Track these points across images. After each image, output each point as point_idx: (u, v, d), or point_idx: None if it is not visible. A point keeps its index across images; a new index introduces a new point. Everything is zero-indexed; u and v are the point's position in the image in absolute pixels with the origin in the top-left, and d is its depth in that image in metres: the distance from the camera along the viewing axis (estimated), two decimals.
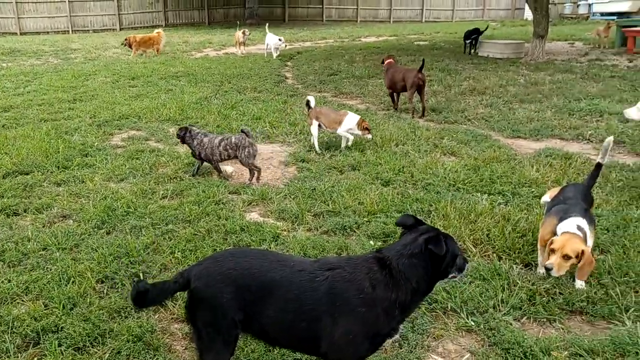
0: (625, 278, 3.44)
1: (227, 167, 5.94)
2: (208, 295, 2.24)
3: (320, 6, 32.49)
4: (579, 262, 3.20)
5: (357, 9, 33.24)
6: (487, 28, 16.78)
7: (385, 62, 8.98)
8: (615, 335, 2.89)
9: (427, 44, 19.52)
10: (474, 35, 15.62)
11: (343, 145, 6.64)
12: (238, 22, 23.84)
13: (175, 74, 12.62)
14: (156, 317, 3.24)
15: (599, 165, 3.93)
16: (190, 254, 3.88)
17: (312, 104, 6.69)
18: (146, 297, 2.29)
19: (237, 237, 4.15)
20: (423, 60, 8.68)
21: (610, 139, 3.96)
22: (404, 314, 2.30)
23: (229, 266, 2.26)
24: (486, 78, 11.28)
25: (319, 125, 6.54)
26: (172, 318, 3.23)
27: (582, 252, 3.18)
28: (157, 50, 16.70)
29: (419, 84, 8.21)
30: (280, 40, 15.71)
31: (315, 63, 14.74)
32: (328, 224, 4.43)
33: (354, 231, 4.34)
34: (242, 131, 5.67)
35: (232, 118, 8.21)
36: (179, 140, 5.87)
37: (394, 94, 8.95)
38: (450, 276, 2.37)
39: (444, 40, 20.35)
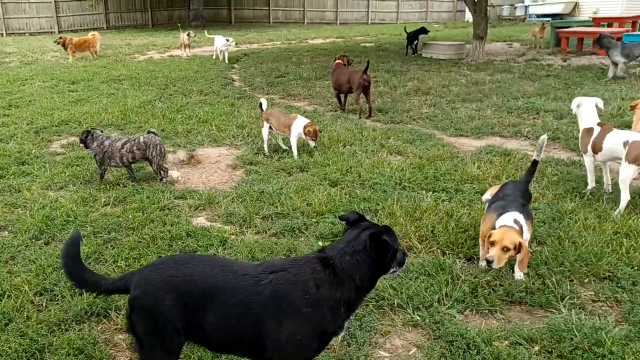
0: (560, 268, 3.61)
1: (173, 172, 5.82)
2: (148, 303, 2.19)
3: (267, 8, 32.38)
4: (517, 254, 3.34)
5: (303, 10, 33.34)
6: (422, 30, 16.48)
7: (334, 63, 9.06)
8: (552, 323, 3.03)
9: (373, 45, 19.83)
10: (418, 36, 15.93)
11: (294, 152, 6.42)
12: (179, 24, 23.37)
13: (118, 78, 12.26)
14: (99, 328, 3.14)
15: (535, 162, 4.09)
16: (135, 262, 3.78)
17: (264, 106, 6.67)
18: (80, 264, 2.35)
19: (183, 243, 4.08)
20: (368, 61, 8.79)
21: (544, 136, 4.12)
22: (349, 311, 2.33)
23: (170, 273, 2.22)
24: (430, 78, 11.56)
25: (270, 128, 6.52)
26: (115, 329, 3.14)
27: (520, 244, 3.31)
28: (95, 53, 16.16)
29: (365, 85, 8.33)
30: (228, 40, 15.47)
31: (262, 65, 14.69)
32: (276, 226, 4.42)
33: (303, 232, 4.35)
34: (150, 132, 5.57)
35: (177, 122, 8.06)
36: (82, 145, 5.62)
37: (341, 95, 9.03)
38: (391, 270, 2.41)
39: (389, 42, 20.72)
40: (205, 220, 4.67)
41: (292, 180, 5.54)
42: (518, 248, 3.32)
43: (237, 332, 2.22)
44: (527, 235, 3.50)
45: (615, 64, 10.40)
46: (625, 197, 4.42)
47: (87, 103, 9.47)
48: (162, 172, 5.55)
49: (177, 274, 2.22)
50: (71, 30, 25.25)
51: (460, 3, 34.21)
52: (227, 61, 15.32)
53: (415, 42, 16.03)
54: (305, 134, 6.23)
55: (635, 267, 3.58)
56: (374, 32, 26.03)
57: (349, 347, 2.94)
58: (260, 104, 6.71)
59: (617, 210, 4.44)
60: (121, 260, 3.82)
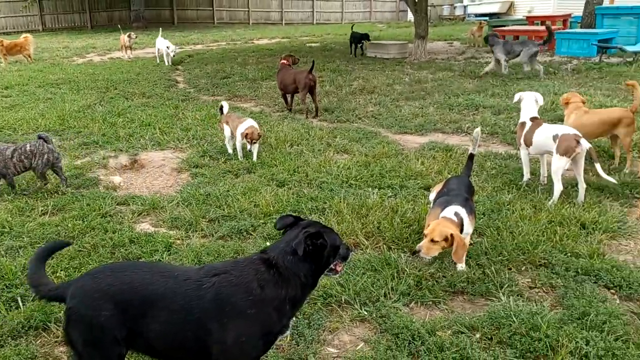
0: (499, 257, 3.76)
1: (115, 178, 5.66)
2: (85, 314, 2.13)
3: (211, 8, 31.94)
4: (450, 245, 3.44)
5: (248, 11, 33.11)
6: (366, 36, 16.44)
7: (280, 63, 9.06)
8: (492, 311, 3.15)
9: (318, 45, 19.93)
10: (363, 40, 16.01)
11: (240, 154, 6.33)
12: (120, 26, 22.70)
13: (55, 82, 11.78)
14: (38, 342, 3.02)
15: (471, 156, 4.24)
16: (75, 272, 3.65)
17: (225, 109, 6.63)
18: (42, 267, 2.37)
19: (126, 250, 3.98)
20: (313, 61, 8.85)
21: (478, 129, 4.28)
22: (294, 309, 2.35)
23: (107, 282, 2.16)
24: (375, 78, 11.74)
25: (230, 131, 6.46)
26: (55, 341, 3.02)
27: (451, 235, 3.40)
28: (29, 57, 15.44)
29: (310, 84, 8.37)
30: (168, 47, 14.76)
31: (207, 66, 14.49)
32: (224, 229, 4.38)
33: (251, 234, 4.33)
34: (40, 137, 5.29)
35: (119, 125, 7.84)
36: None
37: (287, 95, 9.04)
38: (331, 266, 2.44)
39: (335, 42, 20.88)
40: (150, 225, 4.57)
41: (239, 182, 5.50)
42: (450, 240, 3.41)
43: (180, 338, 2.19)
44: (469, 228, 3.62)
45: (498, 61, 11.02)
46: (558, 187, 4.65)
47: (22, 109, 9.05)
48: (44, 179, 5.29)
49: (115, 282, 2.16)
50: (4, 33, 24.00)
51: (403, 3, 34.93)
52: (170, 63, 14.91)
53: (360, 44, 16.14)
54: (244, 136, 6.03)
55: (568, 254, 3.78)
56: (319, 32, 26.17)
57: (298, 346, 2.96)
58: (221, 107, 6.63)
59: (551, 200, 4.66)
60: (60, 270, 3.68)
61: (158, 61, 15.28)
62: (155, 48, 15.72)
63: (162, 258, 3.90)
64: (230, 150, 6.50)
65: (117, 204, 4.98)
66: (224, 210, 4.73)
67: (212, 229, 4.41)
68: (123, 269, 2.27)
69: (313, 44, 20.34)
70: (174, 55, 14.85)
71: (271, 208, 4.72)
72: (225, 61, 15.45)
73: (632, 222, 4.32)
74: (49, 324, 3.12)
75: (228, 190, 5.18)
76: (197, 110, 8.94)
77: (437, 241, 3.40)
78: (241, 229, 4.34)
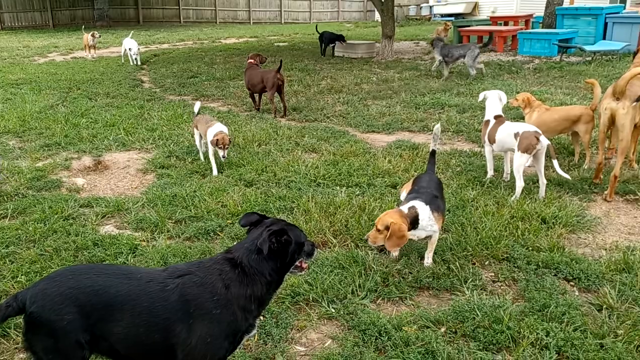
0: (464, 253, 3.83)
1: (78, 180, 5.54)
2: (46, 319, 2.07)
3: (177, 7, 31.54)
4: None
5: (215, 10, 32.82)
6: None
7: (247, 62, 9.01)
8: (456, 305, 3.21)
9: (286, 44, 19.91)
10: (335, 42, 15.70)
11: (210, 160, 5.92)
12: (83, 25, 22.18)
13: (15, 82, 11.46)
14: None
15: (432, 152, 4.27)
16: (36, 276, 3.55)
17: (196, 109, 6.39)
18: None
19: (89, 253, 3.89)
20: (281, 61, 8.84)
21: (438, 125, 4.31)
22: (260, 307, 2.35)
23: (68, 285, 2.12)
24: (343, 77, 11.80)
25: (200, 136, 6.18)
26: (15, 348, 2.94)
27: (390, 224, 3.41)
28: None
29: (278, 84, 8.36)
30: (130, 49, 14.59)
31: (173, 66, 14.31)
32: (190, 229, 4.33)
33: (218, 234, 4.30)
34: None
35: (82, 126, 7.67)
36: None
37: (255, 94, 9.01)
38: (297, 261, 2.45)
39: (303, 41, 20.91)
40: (114, 228, 4.48)
41: (206, 182, 5.46)
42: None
43: (145, 340, 2.16)
44: (430, 225, 3.63)
45: (440, 62, 11.37)
46: (519, 184, 4.77)
47: None
48: None
49: (77, 285, 2.12)
50: None
51: (370, 3, 35.23)
52: (139, 63, 14.67)
53: (333, 45, 15.94)
54: (215, 144, 5.68)
55: (530, 248, 3.88)
56: (287, 32, 26.16)
57: (265, 345, 2.96)
58: (194, 107, 6.45)
59: (514, 196, 4.78)
60: (21, 275, 3.58)
61: (123, 60, 14.96)
62: (122, 47, 15.51)
63: (127, 260, 3.83)
64: (202, 157, 6.21)
65: (81, 206, 4.87)
66: (190, 211, 4.69)
67: (179, 230, 4.36)
68: (85, 271, 2.23)
69: (281, 44, 20.31)
70: (136, 58, 14.51)
71: (239, 208, 4.70)
72: (192, 60, 15.28)
73: (591, 216, 4.46)
74: (7, 330, 3.04)
75: (195, 191, 5.13)
76: (163, 110, 8.82)
77: (381, 230, 3.46)
78: (208, 230, 4.31)
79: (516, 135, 4.78)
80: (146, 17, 30.62)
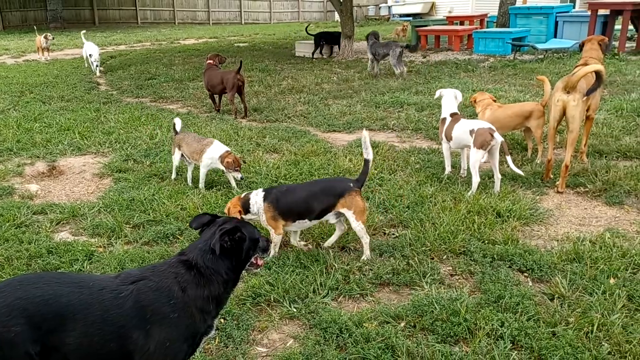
0: (423, 248, 3.90)
1: (31, 186, 5.37)
2: None
3: (134, 8, 30.90)
4: None
5: (173, 10, 32.32)
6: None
7: (206, 63, 8.91)
8: (415, 300, 3.27)
9: (247, 45, 19.79)
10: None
11: (200, 184, 5.32)
12: (35, 26, 21.46)
13: None
14: None
15: (366, 161, 3.89)
16: None
17: (178, 127, 5.51)
18: None
19: (43, 261, 3.78)
20: (241, 62, 8.78)
21: (366, 133, 3.93)
22: (218, 307, 2.34)
23: (16, 295, 2.05)
24: (303, 77, 11.81)
25: (182, 155, 5.43)
26: None
27: (227, 207, 3.85)
28: None
29: (239, 85, 8.31)
30: (90, 56, 13.09)
31: (131, 67, 14.02)
32: (149, 234, 4.26)
33: (177, 238, 4.24)
34: None
35: (35, 131, 7.43)
36: None
37: (215, 95, 8.92)
38: (253, 258, 2.46)
39: (263, 42, 20.84)
40: (69, 234, 4.37)
41: (165, 186, 5.38)
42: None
43: (100, 350, 2.11)
44: (263, 216, 3.79)
45: (372, 60, 11.72)
46: (475, 179, 4.88)
47: None
48: None
49: (25, 295, 2.05)
50: None
51: (330, 3, 35.45)
52: (98, 73, 13.15)
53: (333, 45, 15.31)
54: (224, 166, 5.07)
55: (485, 241, 3.98)
56: (247, 32, 26.01)
57: (227, 347, 2.94)
58: (174, 125, 5.55)
59: (470, 191, 4.89)
60: None
61: (86, 65, 13.81)
62: (83, 51, 14.02)
63: (83, 267, 3.75)
64: (174, 176, 5.54)
65: (34, 214, 4.72)
66: (149, 215, 4.61)
67: (137, 235, 4.28)
68: (34, 281, 2.16)
69: (241, 44, 20.18)
70: (97, 66, 13.09)
71: (199, 211, 4.65)
72: (150, 62, 15.02)
73: (543, 209, 4.62)
74: None
75: (153, 195, 5.04)
76: (120, 113, 8.64)
77: (226, 213, 3.86)
78: (167, 234, 4.25)
79: (472, 132, 4.90)
80: (102, 18, 29.87)
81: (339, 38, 15.11)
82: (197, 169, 5.36)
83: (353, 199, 3.72)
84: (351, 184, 3.78)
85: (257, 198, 3.81)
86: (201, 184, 5.30)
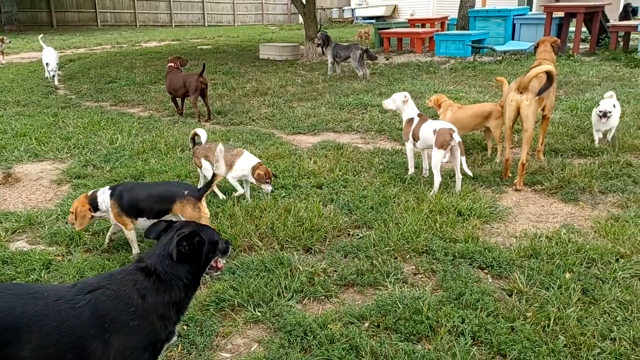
0: (386, 248, 3.95)
1: None
2: None
3: (94, 10, 30.20)
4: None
5: (134, 13, 31.74)
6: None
7: (168, 66, 8.78)
8: (379, 299, 3.30)
9: (210, 47, 19.61)
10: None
11: (237, 193, 5.04)
12: None
13: None
14: None
15: (214, 175, 3.86)
16: None
17: (203, 138, 5.01)
18: None
19: None
20: (204, 64, 8.70)
21: (220, 147, 3.77)
22: (179, 313, 2.32)
23: None
24: (268, 80, 11.79)
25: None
26: None
27: (76, 207, 3.86)
28: None
29: (201, 87, 8.23)
30: (47, 64, 11.98)
31: (90, 71, 13.71)
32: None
33: (139, 244, 4.16)
34: None
35: None
36: None
37: (177, 99, 8.81)
38: (213, 260, 2.45)
39: (227, 44, 20.69)
40: (26, 243, 4.24)
41: None
42: (75, 211, 3.87)
43: None
44: (110, 213, 3.88)
45: (332, 63, 11.93)
46: (437, 179, 4.97)
47: None
48: None
49: None
50: None
51: (294, 6, 35.48)
52: (57, 82, 12.00)
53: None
54: (255, 178, 4.84)
55: (447, 240, 4.06)
56: (211, 35, 25.77)
57: (190, 354, 2.91)
58: (193, 137, 5.11)
59: (432, 191, 4.97)
60: None
61: (46, 75, 12.48)
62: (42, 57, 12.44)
63: (41, 277, 3.64)
64: (220, 195, 5.11)
65: None
66: (109, 222, 4.51)
67: (97, 242, 4.19)
68: None
69: (205, 46, 19.98)
70: (53, 76, 11.96)
71: None
72: (111, 65, 14.71)
73: (503, 207, 4.73)
74: None
75: None
76: (79, 117, 8.44)
77: (72, 211, 3.87)
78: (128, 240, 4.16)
79: (434, 132, 4.99)
80: (60, 20, 29.07)
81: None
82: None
83: (184, 207, 3.77)
84: (185, 192, 3.80)
85: (104, 196, 3.88)
86: (239, 192, 5.03)
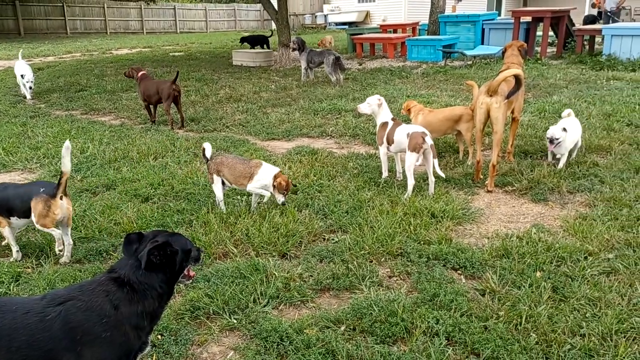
0: (361, 252, 3.97)
1: None
2: None
3: (62, 18, 29.73)
4: None
5: (105, 20, 31.35)
6: (271, 34, 19.45)
7: (138, 75, 8.66)
8: (355, 303, 3.31)
9: (182, 54, 19.47)
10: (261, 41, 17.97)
11: (254, 204, 4.91)
12: None
13: None
14: None
15: (62, 173, 3.89)
16: None
17: (208, 152, 4.90)
18: None
19: None
20: (177, 72, 8.64)
21: (67, 144, 3.82)
22: (152, 322, 2.30)
23: None
24: (241, 86, 11.76)
25: (223, 183, 4.87)
26: None
27: None
28: None
29: (174, 94, 8.17)
30: (23, 76, 10.91)
31: (59, 79, 13.48)
32: (80, 251, 4.10)
33: (111, 255, 4.10)
34: None
35: None
36: None
37: (150, 106, 8.71)
38: (186, 270, 2.45)
39: (200, 51, 20.57)
40: None
41: (97, 201, 5.19)
42: None
43: None
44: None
45: (306, 68, 12.09)
46: (411, 182, 5.02)
47: None
48: None
49: None
50: None
51: (266, 12, 35.46)
52: (30, 99, 11.03)
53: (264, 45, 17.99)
54: (274, 186, 4.68)
55: (421, 242, 4.10)
56: (183, 41, 25.60)
57: None
58: (204, 151, 4.94)
59: (406, 194, 5.03)
60: None
61: (21, 91, 11.35)
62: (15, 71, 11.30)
63: (10, 290, 3.56)
64: (224, 209, 4.85)
65: None
66: (80, 231, 4.44)
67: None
68: None
69: (177, 53, 19.83)
70: (30, 87, 10.99)
71: (134, 225, 4.53)
72: (81, 73, 14.48)
73: (475, 209, 4.81)
74: None
75: (85, 210, 4.86)
76: (49, 126, 8.29)
77: None
78: (100, 250, 4.10)
79: (408, 135, 5.05)
80: (28, 28, 28.52)
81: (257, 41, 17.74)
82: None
83: (36, 204, 3.87)
84: (42, 189, 3.92)
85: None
86: (254, 203, 4.90)
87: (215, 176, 4.84)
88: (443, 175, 5.07)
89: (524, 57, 5.85)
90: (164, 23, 33.97)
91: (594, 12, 21.42)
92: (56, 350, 2.05)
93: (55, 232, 3.99)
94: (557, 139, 5.51)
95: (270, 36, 19.26)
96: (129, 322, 2.18)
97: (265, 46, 18.67)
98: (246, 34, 19.36)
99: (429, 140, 4.93)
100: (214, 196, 4.94)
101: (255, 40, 18.90)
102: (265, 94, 10.89)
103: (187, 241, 2.44)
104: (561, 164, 5.64)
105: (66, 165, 3.84)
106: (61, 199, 3.94)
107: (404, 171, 5.32)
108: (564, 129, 5.53)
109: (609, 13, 18.03)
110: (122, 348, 2.17)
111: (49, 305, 2.10)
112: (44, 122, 8.73)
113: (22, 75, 10.94)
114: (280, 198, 4.69)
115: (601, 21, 18.14)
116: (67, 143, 3.82)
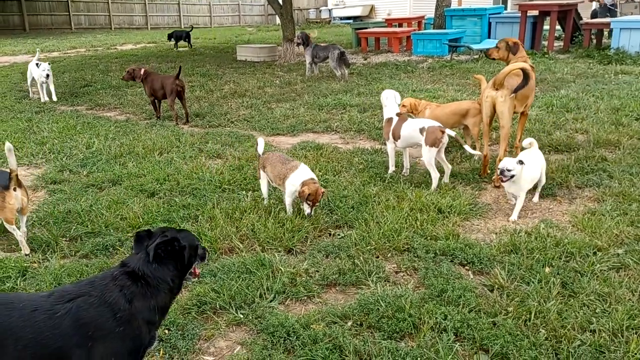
0: (368, 247, 3.95)
1: None
2: None
3: (67, 13, 29.75)
4: None
5: (109, 15, 31.35)
6: (191, 29, 21.44)
7: (142, 72, 8.64)
8: (361, 298, 3.30)
9: (187, 49, 19.44)
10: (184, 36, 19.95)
11: (288, 210, 4.61)
12: None
13: None
14: None
15: (10, 172, 3.99)
16: None
17: (260, 149, 4.84)
18: None
19: None
20: (180, 67, 8.61)
21: (9, 146, 3.91)
22: (162, 317, 2.32)
23: None
24: (246, 81, 11.73)
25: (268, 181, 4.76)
26: None
27: None
28: None
29: (178, 90, 8.16)
30: (38, 65, 10.19)
31: (65, 75, 13.48)
32: (87, 246, 4.10)
33: (118, 249, 4.10)
34: None
35: None
36: None
37: (156, 101, 8.71)
38: (193, 266, 2.46)
39: (204, 46, 20.55)
40: (0, 251, 4.14)
41: (104, 196, 5.19)
42: None
43: None
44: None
45: (310, 63, 12.06)
46: (434, 175, 5.01)
47: None
48: None
49: None
50: None
51: (271, 7, 35.36)
52: (54, 97, 10.38)
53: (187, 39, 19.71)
54: (299, 193, 4.37)
55: (428, 237, 4.08)
56: None
57: (172, 359, 2.86)
58: (257, 146, 4.93)
59: (432, 187, 5.01)
60: None
61: (31, 95, 10.81)
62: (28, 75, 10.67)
63: (17, 285, 3.56)
64: (266, 202, 4.82)
65: None
66: (87, 226, 4.44)
67: (74, 248, 4.11)
68: None
69: (181, 49, 19.80)
70: (42, 83, 10.17)
71: (140, 220, 4.52)
72: (86, 69, 14.50)
73: (482, 204, 4.78)
74: None
75: (91, 206, 4.86)
76: (54, 122, 8.29)
77: None
78: (107, 245, 4.10)
79: (422, 130, 5.01)
80: (33, 24, 28.56)
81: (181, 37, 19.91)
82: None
83: None
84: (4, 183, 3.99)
85: None
86: (288, 211, 4.61)
87: (261, 171, 4.77)
88: (479, 153, 5.24)
89: (514, 54, 5.63)
90: (168, 18, 33.95)
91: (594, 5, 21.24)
92: (66, 347, 2.04)
93: (17, 233, 4.04)
94: (509, 171, 4.36)
95: (190, 31, 20.67)
96: (142, 316, 2.17)
97: (187, 41, 20.08)
98: (171, 31, 21.41)
99: (449, 133, 4.93)
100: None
101: (179, 37, 20.20)
102: (270, 89, 10.85)
103: (195, 237, 2.44)
104: (517, 208, 4.49)
105: (12, 163, 3.97)
106: (15, 190, 4.02)
107: (410, 166, 5.29)
108: (520, 162, 4.39)
109: (609, 6, 17.87)
110: (133, 342, 2.16)
111: (57, 302, 2.08)
112: (50, 117, 8.74)
113: (46, 75, 10.12)
114: (306, 208, 4.39)
115: (605, 15, 17.95)
116: (8, 144, 3.93)
